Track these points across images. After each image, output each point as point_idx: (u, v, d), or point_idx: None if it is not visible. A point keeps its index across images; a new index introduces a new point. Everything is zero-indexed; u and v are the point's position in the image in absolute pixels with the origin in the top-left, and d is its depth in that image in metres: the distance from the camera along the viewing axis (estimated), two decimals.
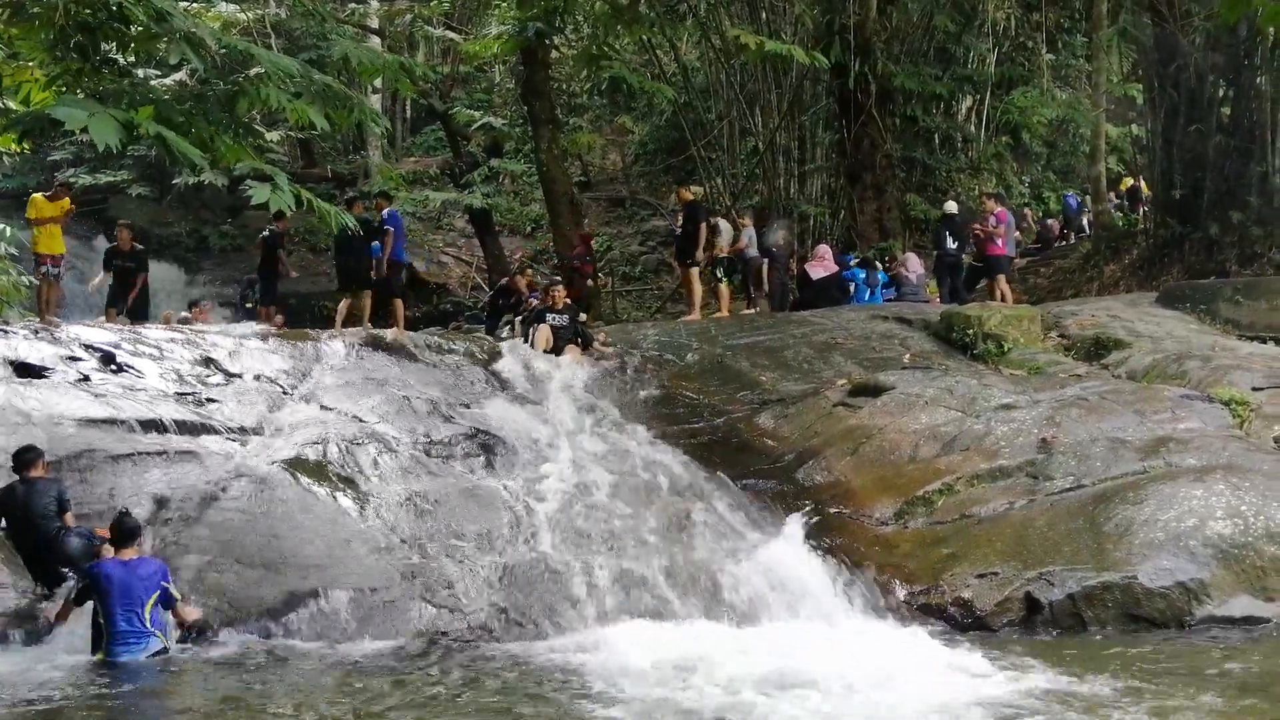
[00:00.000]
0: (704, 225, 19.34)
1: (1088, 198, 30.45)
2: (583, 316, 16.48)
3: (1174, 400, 12.80)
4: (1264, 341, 15.40)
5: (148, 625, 8.69)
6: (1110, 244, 22.90)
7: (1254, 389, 13.00)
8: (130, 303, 17.72)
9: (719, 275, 20.24)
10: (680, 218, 19.35)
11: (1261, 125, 18.88)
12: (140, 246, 18.48)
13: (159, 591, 8.79)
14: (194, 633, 9.11)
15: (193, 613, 9.08)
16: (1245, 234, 18.93)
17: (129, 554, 8.90)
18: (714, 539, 11.12)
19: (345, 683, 7.88)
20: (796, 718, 7.09)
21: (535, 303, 17.91)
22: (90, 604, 8.73)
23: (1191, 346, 14.88)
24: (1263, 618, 9.50)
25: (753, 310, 20.24)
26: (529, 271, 21.80)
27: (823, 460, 12.75)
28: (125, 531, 9.02)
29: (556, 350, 15.73)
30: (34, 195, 16.71)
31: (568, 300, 16.81)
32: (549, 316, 16.12)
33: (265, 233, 19.61)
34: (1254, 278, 17.71)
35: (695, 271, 19.10)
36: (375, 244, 17.70)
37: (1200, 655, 8.68)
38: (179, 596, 8.98)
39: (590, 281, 22.41)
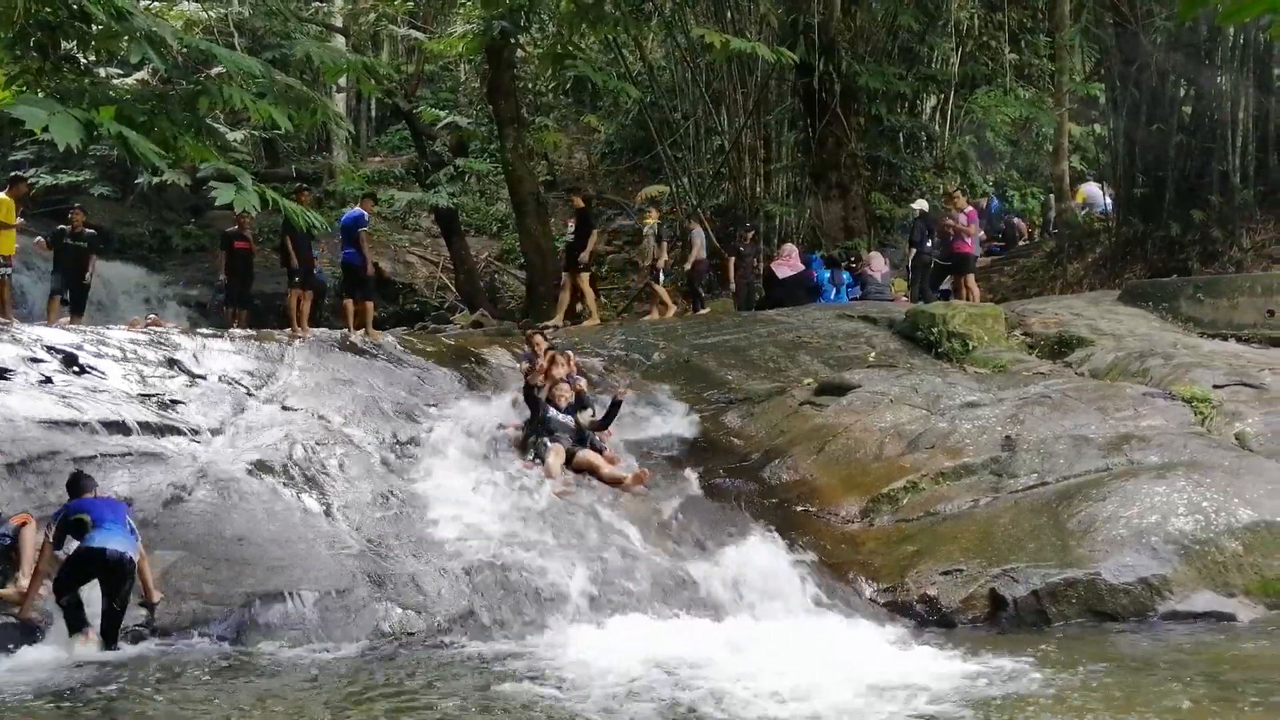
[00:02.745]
0: (595, 232, 19.73)
1: (1013, 201, 30.77)
2: (586, 414, 13.01)
3: (1136, 398, 12.91)
4: (1225, 339, 15.55)
5: (128, 533, 8.95)
6: (1073, 242, 23.03)
7: (1215, 386, 13.13)
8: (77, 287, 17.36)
9: (657, 278, 20.31)
10: (573, 223, 19.16)
11: (1222, 124, 19.04)
12: (93, 230, 18.08)
13: (129, 517, 9.13)
14: (153, 611, 9.12)
15: (151, 577, 9.16)
16: (1206, 232, 19.09)
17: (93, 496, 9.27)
18: (681, 538, 11.13)
19: (310, 685, 7.82)
20: (762, 711, 7.10)
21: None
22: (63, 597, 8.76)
23: (1153, 344, 15.01)
24: (1225, 613, 9.60)
25: (703, 312, 20.26)
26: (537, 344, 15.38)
27: (789, 459, 12.81)
28: (85, 480, 9.41)
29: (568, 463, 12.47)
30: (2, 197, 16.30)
31: (578, 381, 13.61)
32: (553, 423, 12.67)
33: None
34: (1215, 276, 17.86)
35: (585, 277, 19.07)
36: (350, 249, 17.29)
37: (1163, 650, 8.76)
38: (139, 537, 9.11)
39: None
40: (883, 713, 7.04)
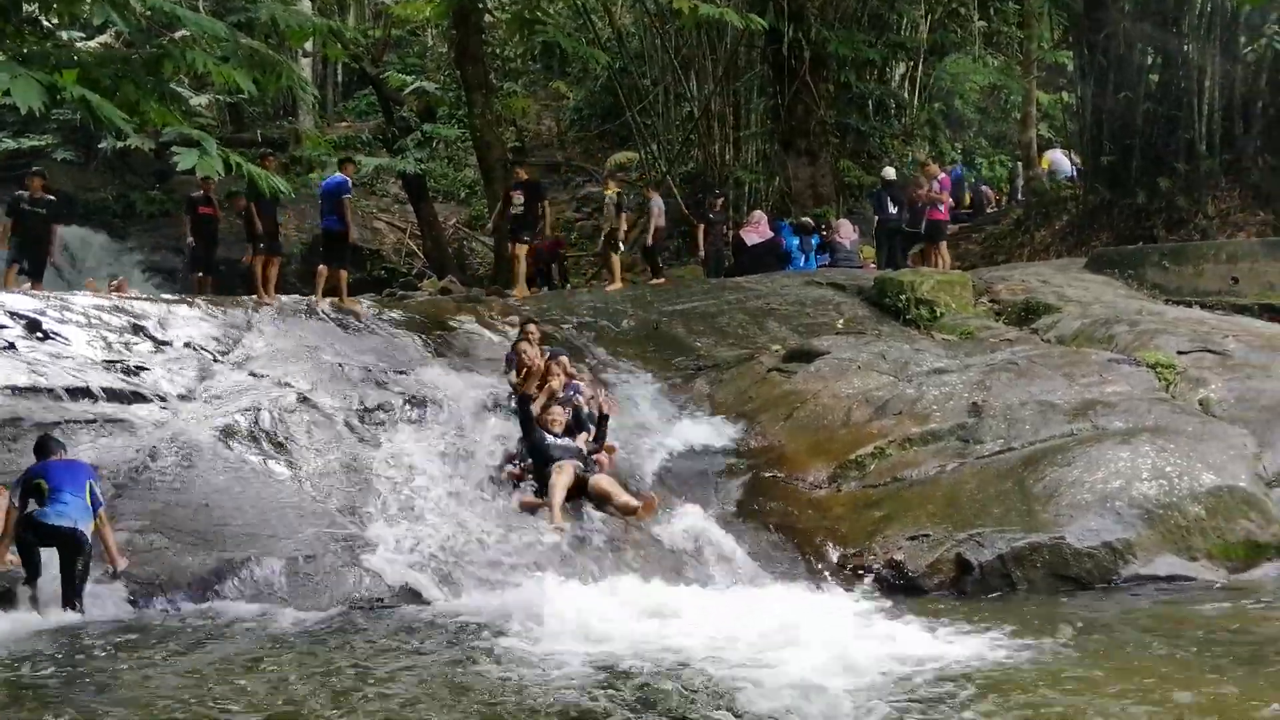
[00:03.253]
0: (545, 204, 19.51)
1: (981, 168, 30.85)
2: (584, 437, 11.64)
3: (1101, 364, 13.00)
4: (1189, 306, 15.67)
5: (88, 504, 8.92)
6: (1041, 210, 23.10)
7: (1179, 352, 13.23)
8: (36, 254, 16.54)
9: (615, 247, 20.24)
10: (520, 194, 18.69)
11: (1189, 93, 19.11)
12: (52, 197, 17.28)
13: (90, 482, 9.06)
14: (117, 578, 9.11)
15: (115, 545, 9.14)
16: (1172, 201, 19.18)
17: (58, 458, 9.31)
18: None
19: (277, 651, 7.81)
20: (715, 674, 7.12)
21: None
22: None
23: (1119, 311, 15.10)
24: (1187, 576, 9.71)
25: (656, 281, 20.24)
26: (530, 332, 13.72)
27: (757, 425, 12.85)
28: (51, 443, 9.47)
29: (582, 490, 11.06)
30: None
31: (576, 396, 12.35)
32: (554, 450, 11.15)
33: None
34: (1180, 243, 17.96)
35: (524, 249, 18.75)
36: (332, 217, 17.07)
37: (1126, 612, 8.86)
38: (103, 503, 9.10)
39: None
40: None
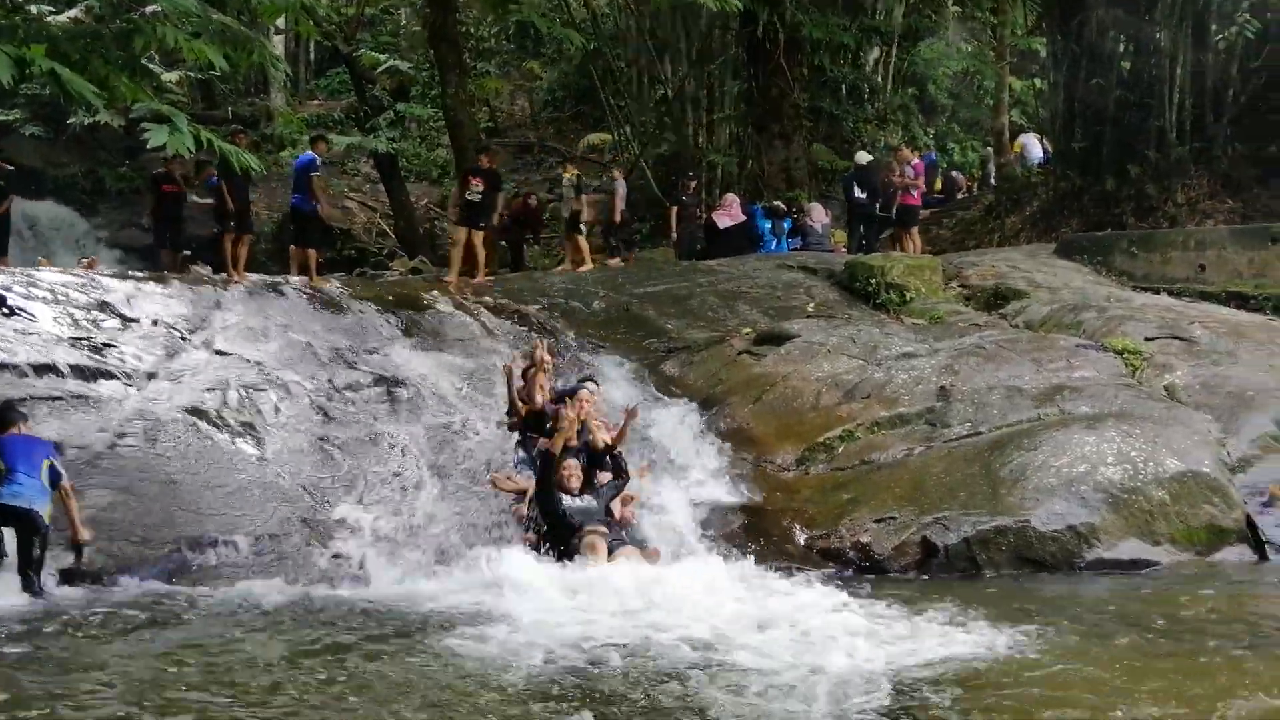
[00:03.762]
0: (500, 195, 19.35)
1: (953, 154, 30.95)
2: (605, 476, 10.26)
3: (1069, 349, 13.09)
4: (1157, 293, 15.78)
5: (44, 484, 8.84)
6: (1012, 196, 23.18)
7: (1146, 339, 13.34)
8: None
9: (578, 229, 20.18)
10: (480, 182, 18.33)
11: (1160, 80, 19.18)
12: (11, 168, 17.22)
13: (49, 460, 8.97)
14: (81, 553, 9.06)
15: (79, 517, 9.08)
16: (1142, 188, 19.26)
17: (17, 431, 9.20)
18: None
19: (243, 630, 7.78)
20: (681, 656, 7.14)
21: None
22: None
23: (1087, 297, 15.19)
24: (1150, 560, 9.80)
25: (619, 262, 20.22)
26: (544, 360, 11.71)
27: (726, 407, 12.87)
28: (12, 414, 9.40)
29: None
30: None
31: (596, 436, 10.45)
32: (574, 514, 9.66)
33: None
34: (1149, 230, 18.07)
35: (480, 235, 18.42)
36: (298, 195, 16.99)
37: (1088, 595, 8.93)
38: (65, 476, 9.04)
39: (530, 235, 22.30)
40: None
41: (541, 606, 8.12)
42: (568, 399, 10.60)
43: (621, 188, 20.83)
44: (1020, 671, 6.65)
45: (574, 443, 10.12)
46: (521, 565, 9.06)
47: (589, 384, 11.34)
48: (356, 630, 7.77)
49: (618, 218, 20.96)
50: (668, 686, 6.45)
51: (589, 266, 19.88)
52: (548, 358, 11.72)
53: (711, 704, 6.18)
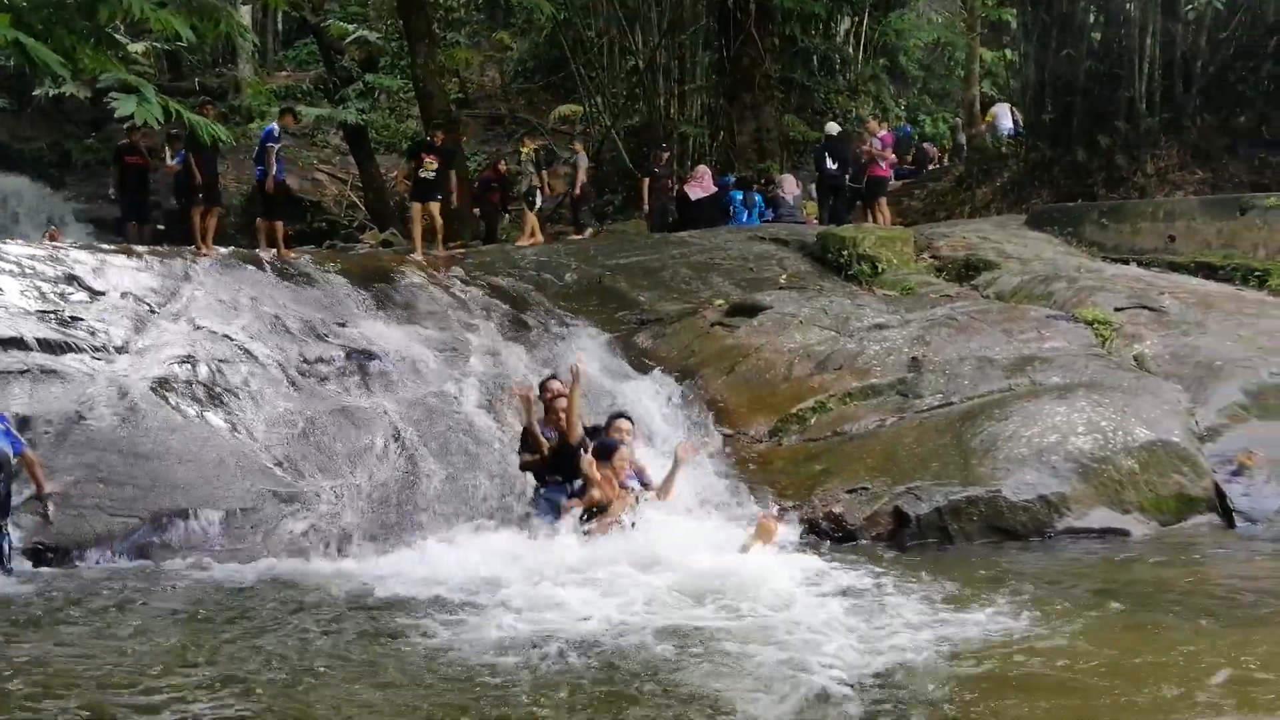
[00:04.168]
0: (454, 173, 19.19)
1: (924, 125, 30.99)
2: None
3: (1040, 320, 13.15)
4: (1127, 263, 15.83)
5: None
6: (982, 167, 23.24)
7: (1116, 309, 13.41)
8: None
9: (529, 202, 20.08)
10: (435, 159, 18.09)
11: (1130, 51, 19.22)
12: None
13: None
14: (46, 505, 9.06)
15: (41, 472, 9.10)
16: (1112, 158, 19.34)
17: None
18: None
19: (214, 604, 7.76)
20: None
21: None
22: None
23: (1058, 268, 15.25)
24: (1120, 529, 9.88)
25: (583, 236, 20.15)
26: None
27: (700, 379, 12.88)
28: None
29: None
30: None
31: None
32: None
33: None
34: (1119, 201, 18.13)
35: (436, 207, 18.21)
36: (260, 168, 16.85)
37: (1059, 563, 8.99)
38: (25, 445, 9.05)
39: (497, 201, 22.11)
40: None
41: (514, 580, 8.10)
42: (596, 439, 9.34)
43: (584, 161, 20.77)
44: (1000, 646, 6.69)
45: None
46: (498, 542, 9.07)
47: (622, 419, 9.68)
48: (324, 607, 7.70)
49: (578, 190, 20.94)
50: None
51: (532, 241, 19.65)
52: (626, 428, 9.52)
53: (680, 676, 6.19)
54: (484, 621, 7.17)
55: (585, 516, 8.85)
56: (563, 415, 9.50)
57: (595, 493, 8.86)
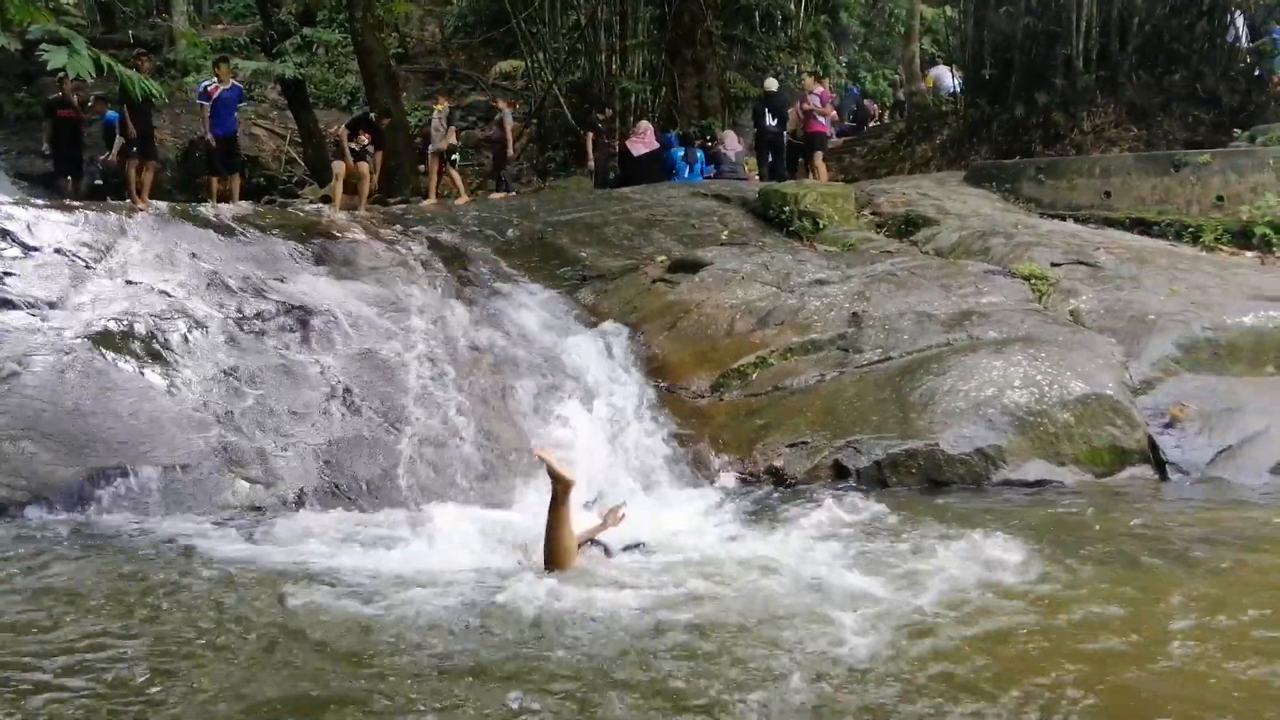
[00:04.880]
0: (382, 154, 18.96)
1: (865, 83, 31.08)
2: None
3: (978, 275, 13.28)
4: (1063, 219, 16.01)
5: None
6: (923, 124, 23.37)
7: (1053, 264, 13.56)
8: None
9: (452, 161, 19.94)
10: (368, 137, 17.91)
11: (1068, 9, 19.34)
12: None
13: None
14: None
15: None
16: (1049, 116, 19.50)
17: None
18: (534, 413, 11.22)
19: (151, 561, 7.70)
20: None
21: None
22: None
23: (995, 224, 15.39)
24: (1055, 481, 10.05)
25: (501, 195, 20.07)
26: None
27: (641, 335, 12.91)
28: None
29: None
30: None
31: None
32: None
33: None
34: (1056, 158, 18.29)
35: (365, 166, 18.02)
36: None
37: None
38: None
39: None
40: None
41: (451, 545, 8.10)
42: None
43: (509, 119, 20.62)
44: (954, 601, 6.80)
45: None
46: (437, 508, 9.10)
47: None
48: (246, 573, 7.52)
49: (510, 151, 20.83)
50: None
51: (465, 199, 19.52)
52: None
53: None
54: (413, 596, 7.06)
55: None
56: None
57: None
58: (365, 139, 17.49)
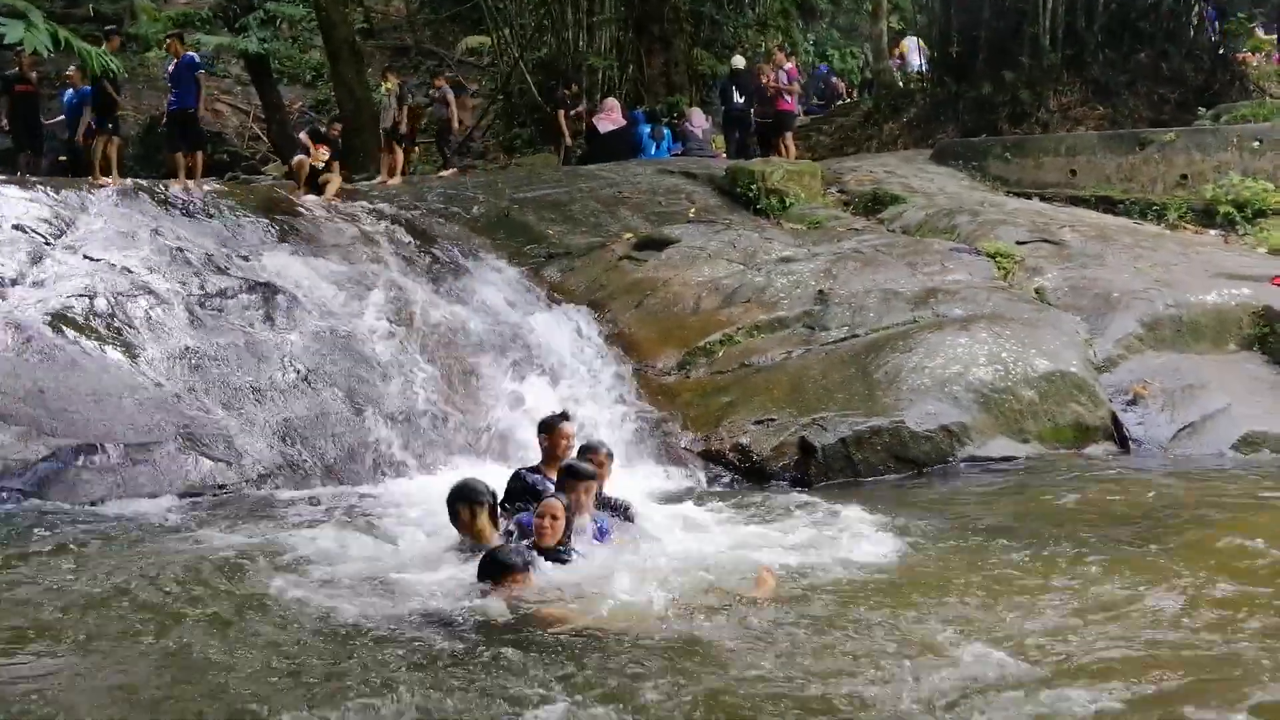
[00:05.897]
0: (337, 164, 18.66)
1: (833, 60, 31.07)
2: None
3: (944, 253, 13.32)
4: (1029, 197, 16.08)
5: None
6: (890, 102, 23.37)
7: (1018, 243, 13.62)
8: None
9: (399, 139, 19.74)
10: (326, 150, 17.70)
11: None
12: None
13: None
14: None
15: None
16: (1016, 94, 19.54)
17: None
18: (498, 390, 11.19)
19: (111, 540, 7.64)
20: None
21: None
22: None
23: (962, 202, 15.42)
24: (1018, 457, 10.10)
25: (449, 173, 19.94)
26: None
27: (608, 312, 12.89)
28: None
29: None
30: None
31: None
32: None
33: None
34: (1022, 136, 18.36)
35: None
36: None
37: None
38: None
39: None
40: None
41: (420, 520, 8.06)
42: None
43: (450, 95, 20.44)
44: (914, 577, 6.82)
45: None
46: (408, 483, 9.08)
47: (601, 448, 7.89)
48: (217, 549, 7.45)
49: (455, 125, 20.70)
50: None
51: (397, 180, 19.29)
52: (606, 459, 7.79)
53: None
54: (378, 574, 6.93)
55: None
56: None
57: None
58: (323, 152, 17.29)
